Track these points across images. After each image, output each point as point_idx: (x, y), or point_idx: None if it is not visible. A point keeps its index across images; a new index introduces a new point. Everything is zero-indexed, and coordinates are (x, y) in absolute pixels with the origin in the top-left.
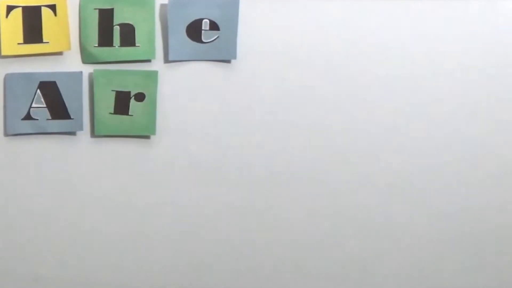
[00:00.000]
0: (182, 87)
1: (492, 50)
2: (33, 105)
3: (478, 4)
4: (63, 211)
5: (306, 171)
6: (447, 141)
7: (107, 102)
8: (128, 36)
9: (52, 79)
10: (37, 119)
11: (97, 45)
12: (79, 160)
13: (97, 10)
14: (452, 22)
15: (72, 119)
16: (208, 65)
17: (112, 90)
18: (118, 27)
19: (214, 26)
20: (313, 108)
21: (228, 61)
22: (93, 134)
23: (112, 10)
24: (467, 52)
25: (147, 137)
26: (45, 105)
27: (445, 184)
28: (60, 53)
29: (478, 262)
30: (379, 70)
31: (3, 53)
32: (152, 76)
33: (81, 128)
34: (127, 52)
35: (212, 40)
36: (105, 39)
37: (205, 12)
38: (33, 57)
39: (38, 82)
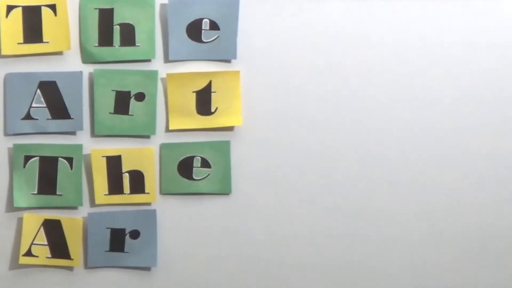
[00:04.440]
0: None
1: (492, 50)
2: (33, 105)
3: (479, 4)
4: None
5: (306, 170)
6: (447, 141)
7: (107, 102)
8: (128, 36)
9: (52, 79)
10: (37, 119)
11: (97, 44)
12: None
13: (97, 10)
14: (452, 22)
15: (72, 119)
16: (208, 64)
17: (112, 90)
18: (118, 26)
19: (214, 26)
20: (313, 107)
21: (228, 61)
22: (93, 134)
23: (112, 10)
24: (467, 52)
25: (147, 136)
26: (45, 105)
27: (446, 184)
28: (60, 53)
29: (478, 262)
30: (379, 70)
31: (3, 53)
32: (152, 76)
33: (81, 128)
34: (127, 52)
35: (212, 40)
36: (105, 39)
37: (205, 12)
38: (33, 57)
39: (38, 82)
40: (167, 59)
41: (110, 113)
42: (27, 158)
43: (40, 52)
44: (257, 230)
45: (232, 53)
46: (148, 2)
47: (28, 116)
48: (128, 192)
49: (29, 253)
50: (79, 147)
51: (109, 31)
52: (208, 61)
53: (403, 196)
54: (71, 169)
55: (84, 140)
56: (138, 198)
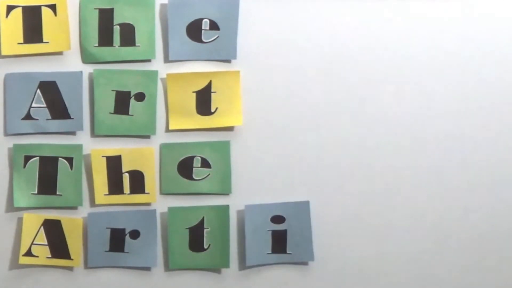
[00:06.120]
0: None
1: (492, 51)
2: (33, 105)
3: (479, 4)
4: None
5: (306, 170)
6: (447, 142)
7: (107, 102)
8: (128, 36)
9: (52, 79)
10: (37, 119)
11: (97, 45)
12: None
13: (97, 10)
14: (452, 22)
15: (72, 119)
16: (208, 64)
17: (112, 90)
18: (118, 27)
19: (214, 26)
20: (313, 107)
21: (228, 61)
22: (93, 134)
23: (112, 10)
24: (467, 53)
25: (147, 136)
26: (45, 105)
27: (446, 185)
28: (60, 53)
29: (478, 262)
30: (379, 71)
31: (3, 53)
32: (152, 76)
33: (81, 128)
34: (127, 52)
35: (212, 40)
36: (105, 39)
37: (205, 12)
38: (33, 57)
39: (38, 82)
40: (167, 59)
41: (110, 113)
42: (27, 158)
43: (40, 52)
44: None
45: (232, 53)
46: (148, 2)
47: (28, 116)
48: (128, 192)
49: (29, 253)
50: (79, 147)
51: (109, 31)
52: (208, 61)
53: (404, 197)
54: (71, 169)
55: (84, 140)
56: (138, 198)
